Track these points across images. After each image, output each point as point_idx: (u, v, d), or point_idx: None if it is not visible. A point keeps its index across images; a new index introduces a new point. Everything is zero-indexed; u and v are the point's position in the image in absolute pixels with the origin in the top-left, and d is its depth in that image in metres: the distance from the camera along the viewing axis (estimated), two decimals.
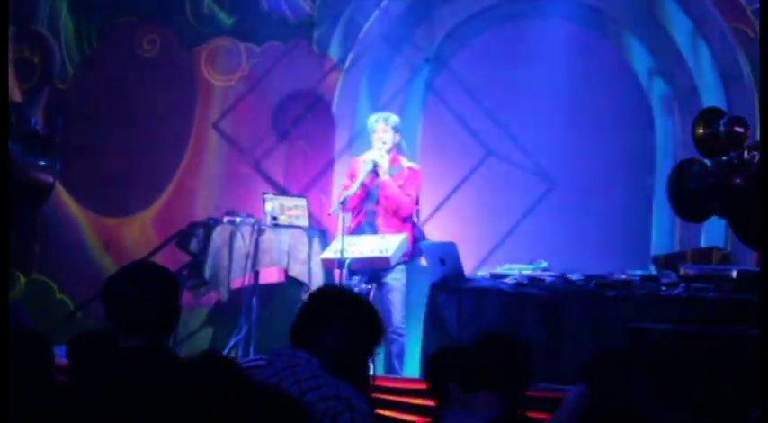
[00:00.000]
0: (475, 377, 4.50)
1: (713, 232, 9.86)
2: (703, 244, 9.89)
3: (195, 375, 3.53)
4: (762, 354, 3.57)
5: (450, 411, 4.59)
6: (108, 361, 4.28)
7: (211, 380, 3.39)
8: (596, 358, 4.76)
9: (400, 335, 9.38)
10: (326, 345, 4.11)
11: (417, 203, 9.73)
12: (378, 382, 7.16)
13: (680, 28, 10.52)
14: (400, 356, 9.35)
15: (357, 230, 9.57)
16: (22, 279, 11.12)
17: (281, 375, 4.03)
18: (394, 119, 9.78)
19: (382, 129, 9.61)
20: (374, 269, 9.21)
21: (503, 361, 4.54)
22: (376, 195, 9.56)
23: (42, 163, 9.78)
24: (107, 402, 3.96)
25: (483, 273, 9.43)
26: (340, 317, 4.17)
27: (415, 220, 9.69)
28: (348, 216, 9.48)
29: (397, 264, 9.34)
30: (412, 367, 9.26)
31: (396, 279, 9.33)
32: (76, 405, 4.06)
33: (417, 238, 9.57)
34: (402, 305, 9.35)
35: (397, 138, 9.64)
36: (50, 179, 9.88)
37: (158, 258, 9.71)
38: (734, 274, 8.50)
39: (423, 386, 6.00)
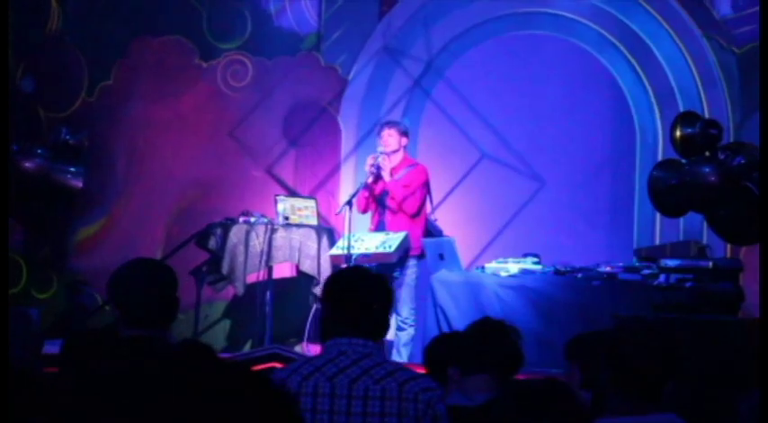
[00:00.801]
0: (470, 362, 4.48)
1: (690, 226, 9.84)
2: (681, 237, 9.90)
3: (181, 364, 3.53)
4: (761, 352, 3.50)
5: (449, 394, 4.58)
6: (108, 350, 4.24)
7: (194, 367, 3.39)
8: (580, 339, 4.71)
9: (410, 326, 9.34)
10: (374, 325, 4.00)
11: (431, 200, 9.63)
12: None
13: (658, 38, 10.49)
14: (407, 345, 9.32)
15: (378, 228, 9.51)
16: (55, 277, 11.07)
17: (362, 366, 3.86)
18: (402, 123, 9.79)
19: (386, 133, 9.55)
20: (379, 264, 9.17)
21: (495, 346, 4.51)
22: (385, 197, 9.50)
23: (72, 169, 9.81)
24: (102, 392, 3.91)
25: (479, 266, 9.42)
26: (380, 297, 4.04)
27: (432, 216, 9.67)
28: (355, 214, 9.46)
29: (406, 259, 9.27)
30: (418, 355, 9.22)
31: (406, 274, 9.27)
32: (71, 394, 4.05)
33: (432, 234, 9.54)
34: (411, 299, 9.28)
35: (404, 141, 9.57)
36: (79, 184, 9.89)
37: (179, 256, 9.74)
38: (710, 265, 8.49)
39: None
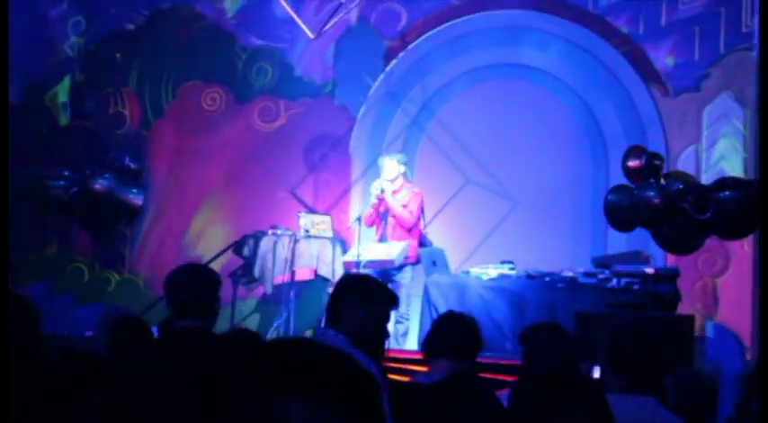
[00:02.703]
0: (431, 347, 4.44)
1: (635, 239, 9.71)
2: (629, 248, 9.76)
3: (225, 346, 3.52)
4: (761, 351, 3.52)
5: (417, 375, 4.56)
6: (166, 337, 4.33)
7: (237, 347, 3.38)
8: (531, 330, 4.59)
9: (406, 319, 9.36)
10: (350, 319, 3.96)
11: (423, 218, 9.68)
12: (389, 354, 7.15)
13: (609, 85, 10.44)
14: (405, 335, 9.33)
15: (382, 239, 9.55)
16: (116, 277, 11.08)
17: None
18: (399, 156, 9.82)
19: (387, 163, 9.62)
20: (385, 269, 9.19)
21: (452, 335, 4.43)
22: (387, 214, 9.54)
23: (134, 190, 9.79)
24: (163, 367, 3.98)
25: (465, 271, 9.38)
26: (355, 294, 4.04)
27: (424, 230, 9.67)
28: (363, 228, 9.47)
29: (404, 265, 9.27)
30: (413, 343, 9.24)
31: (403, 278, 9.29)
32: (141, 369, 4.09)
33: (425, 245, 9.55)
34: (407, 298, 9.27)
35: (402, 169, 9.62)
36: (139, 202, 9.87)
37: (219, 261, 9.74)
38: (653, 271, 8.53)
39: (420, 357, 5.96)
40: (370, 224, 9.54)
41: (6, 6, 8.16)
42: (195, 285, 4.27)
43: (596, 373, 4.84)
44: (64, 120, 11.29)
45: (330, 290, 9.58)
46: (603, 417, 2.80)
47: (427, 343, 4.48)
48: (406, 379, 7.79)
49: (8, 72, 7.24)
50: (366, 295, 4.03)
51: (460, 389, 4.19)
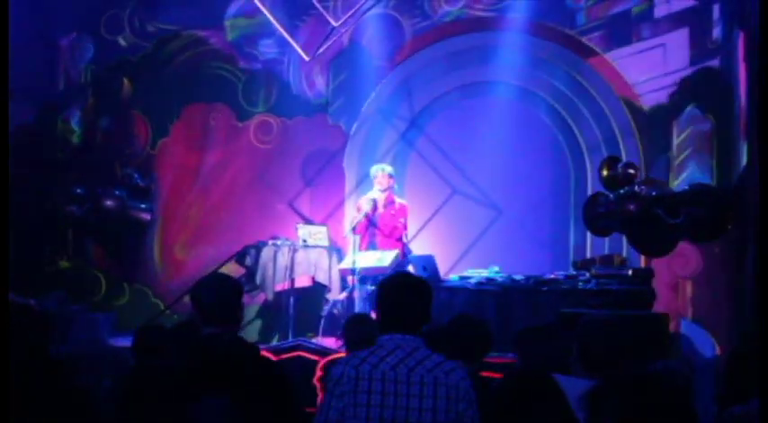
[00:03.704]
0: (442, 349, 4.28)
1: (614, 243, 9.81)
2: (607, 252, 9.79)
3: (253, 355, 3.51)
4: (761, 351, 3.55)
5: None
6: (195, 343, 4.24)
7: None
8: (524, 331, 4.52)
9: None
10: (420, 322, 3.81)
11: (406, 229, 9.76)
12: None
13: (585, 99, 10.47)
14: None
15: (369, 248, 9.60)
16: (128, 287, 11.09)
17: (415, 358, 3.72)
18: (389, 168, 9.88)
19: (380, 175, 9.69)
20: (376, 275, 9.23)
21: (466, 335, 4.43)
22: (376, 223, 9.62)
23: (143, 206, 9.76)
24: (192, 371, 3.96)
25: (453, 276, 9.41)
26: (423, 299, 3.83)
27: (404, 240, 9.72)
28: (358, 237, 9.50)
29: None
30: None
31: None
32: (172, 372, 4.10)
33: (405, 254, 9.60)
34: None
35: (391, 182, 9.71)
36: (148, 217, 9.85)
37: (223, 270, 9.72)
38: (629, 272, 8.54)
39: None
40: (359, 232, 9.59)
41: (6, 6, 8.15)
42: (221, 294, 4.23)
43: None
44: (76, 141, 11.29)
45: (328, 296, 9.74)
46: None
47: (443, 343, 4.36)
48: None
49: (8, 75, 7.34)
50: (430, 298, 3.88)
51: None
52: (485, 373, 7.64)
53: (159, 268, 10.96)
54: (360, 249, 9.48)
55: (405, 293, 3.80)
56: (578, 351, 3.89)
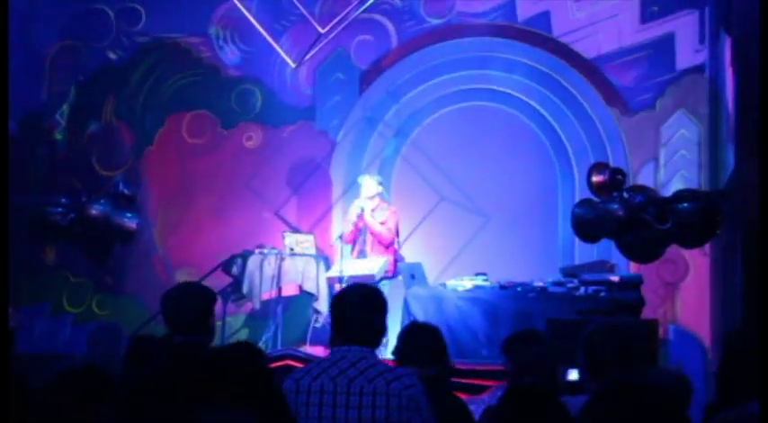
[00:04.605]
0: (398, 356, 4.36)
1: (602, 249, 9.77)
2: (596, 258, 9.82)
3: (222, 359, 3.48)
4: (761, 351, 3.58)
5: None
6: (166, 351, 4.27)
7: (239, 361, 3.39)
8: (513, 337, 4.52)
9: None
10: (373, 335, 3.82)
11: (398, 235, 9.76)
12: None
13: (572, 105, 10.50)
14: (385, 346, 9.12)
15: (360, 256, 9.61)
16: (113, 297, 11.04)
17: (358, 368, 3.70)
18: (376, 177, 9.92)
19: (368, 183, 9.71)
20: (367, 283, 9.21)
21: (413, 343, 4.36)
22: (365, 231, 9.62)
23: (128, 215, 9.75)
24: (162, 379, 3.97)
25: (442, 283, 9.38)
26: (377, 311, 3.87)
27: (396, 246, 9.72)
28: (346, 246, 9.49)
29: (382, 279, 9.31)
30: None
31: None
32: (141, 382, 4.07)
33: (397, 261, 9.61)
34: None
35: (380, 189, 9.73)
36: (133, 226, 9.83)
37: (209, 280, 9.65)
38: (618, 279, 8.54)
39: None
40: (350, 241, 9.59)
41: (6, 6, 8.11)
42: (190, 302, 4.25)
43: (572, 376, 4.87)
44: (60, 150, 11.28)
45: (316, 304, 9.74)
46: None
47: (396, 352, 4.39)
48: None
49: (8, 75, 7.26)
50: (384, 311, 3.94)
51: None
52: (470, 381, 7.73)
53: (145, 278, 10.91)
54: (353, 257, 9.51)
55: (351, 307, 3.79)
56: (586, 357, 3.93)
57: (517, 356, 4.37)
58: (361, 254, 9.66)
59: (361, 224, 9.59)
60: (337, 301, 3.89)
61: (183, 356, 4.14)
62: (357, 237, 9.64)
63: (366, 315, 3.80)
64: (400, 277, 9.44)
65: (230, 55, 11.25)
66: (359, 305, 3.81)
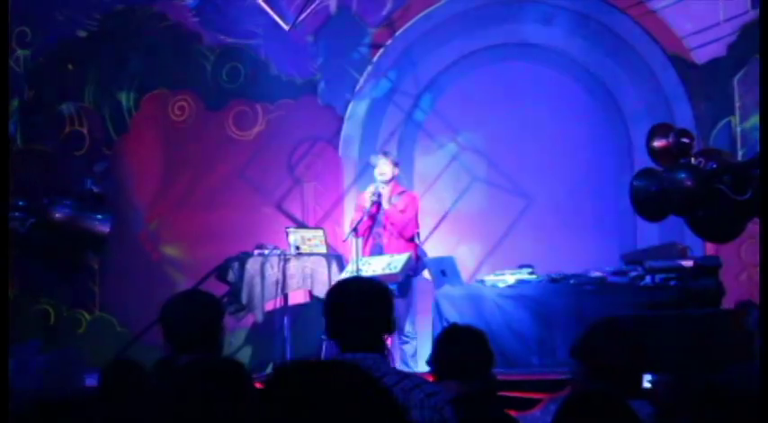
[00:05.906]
0: (434, 367, 4.34)
1: (668, 229, 9.73)
2: (659, 241, 9.84)
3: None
4: (762, 352, 3.48)
5: None
6: (168, 378, 4.06)
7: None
8: (585, 337, 4.41)
9: (412, 338, 9.41)
10: (375, 338, 3.76)
11: (418, 226, 9.71)
12: None
13: (625, 59, 10.49)
14: (414, 357, 9.36)
15: (373, 252, 9.54)
16: (87, 316, 11.03)
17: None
18: (392, 156, 9.81)
19: (383, 163, 9.58)
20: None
21: (451, 351, 4.32)
22: (381, 222, 9.51)
23: (99, 217, 9.77)
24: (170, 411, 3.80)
25: (479, 280, 9.37)
26: (378, 308, 3.78)
27: (417, 240, 9.64)
28: (360, 241, 9.41)
29: (407, 278, 9.26)
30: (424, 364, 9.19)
31: (402, 292, 9.22)
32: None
33: (419, 256, 9.54)
34: (408, 313, 9.33)
35: (396, 170, 9.62)
36: (106, 230, 9.85)
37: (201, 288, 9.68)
38: (691, 264, 8.55)
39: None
40: (362, 234, 9.46)
41: (6, 6, 8.09)
42: (194, 314, 4.25)
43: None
44: (14, 144, 11.27)
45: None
46: None
47: (432, 362, 4.36)
48: None
49: (8, 74, 7.22)
50: (388, 306, 3.87)
51: (468, 415, 4.03)
52: (518, 393, 7.72)
53: (125, 292, 11.01)
54: (364, 254, 9.38)
55: (350, 308, 3.72)
56: (583, 359, 4.00)
57: (591, 355, 4.24)
58: (375, 249, 9.59)
59: (375, 212, 9.45)
60: (331, 300, 3.80)
61: (194, 379, 4.02)
62: (371, 228, 9.49)
63: (369, 317, 3.72)
64: (426, 274, 9.37)
65: (212, 20, 11.17)
66: (359, 305, 3.73)
